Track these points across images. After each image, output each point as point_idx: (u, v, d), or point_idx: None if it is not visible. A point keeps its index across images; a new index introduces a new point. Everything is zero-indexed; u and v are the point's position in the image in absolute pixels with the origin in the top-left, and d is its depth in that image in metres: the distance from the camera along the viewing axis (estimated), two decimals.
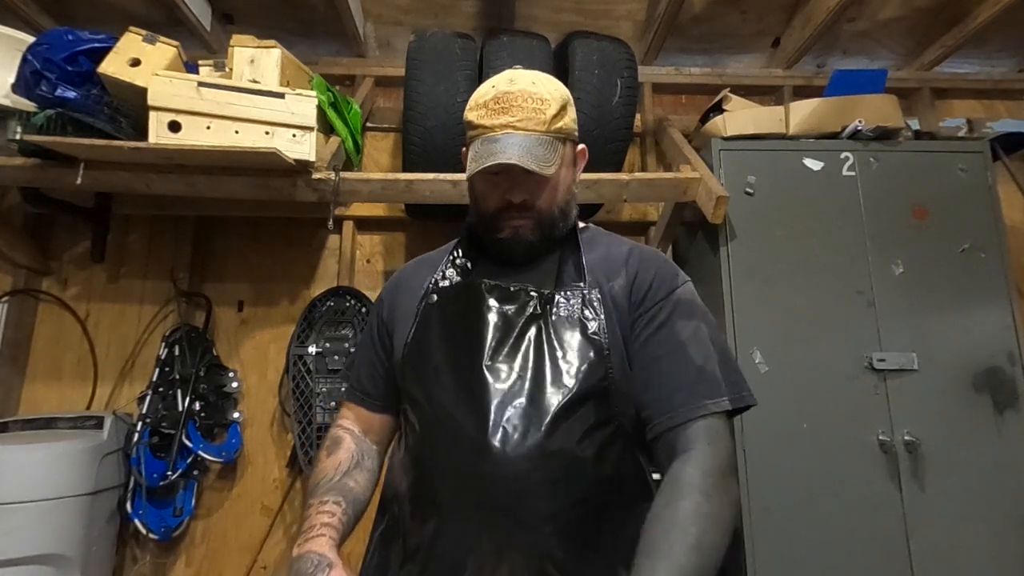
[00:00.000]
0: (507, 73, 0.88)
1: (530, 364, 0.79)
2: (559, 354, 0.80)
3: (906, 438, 1.62)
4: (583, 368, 0.79)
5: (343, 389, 1.02)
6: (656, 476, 0.84)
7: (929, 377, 1.68)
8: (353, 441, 0.92)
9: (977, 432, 1.65)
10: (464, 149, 0.91)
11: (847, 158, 1.85)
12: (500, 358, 0.80)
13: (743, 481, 1.61)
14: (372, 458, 0.94)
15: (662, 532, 0.68)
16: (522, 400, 0.77)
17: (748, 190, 1.83)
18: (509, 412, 0.76)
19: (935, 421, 1.65)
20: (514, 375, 0.79)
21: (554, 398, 0.77)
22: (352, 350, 2.00)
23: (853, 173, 1.84)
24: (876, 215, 1.80)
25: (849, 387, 1.67)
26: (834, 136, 1.90)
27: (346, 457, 0.89)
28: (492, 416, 0.76)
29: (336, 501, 0.82)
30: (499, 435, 0.75)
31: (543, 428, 0.75)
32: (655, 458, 0.81)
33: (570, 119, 0.88)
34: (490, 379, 0.79)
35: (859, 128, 1.85)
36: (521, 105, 0.83)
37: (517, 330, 0.82)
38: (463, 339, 0.83)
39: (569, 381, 0.78)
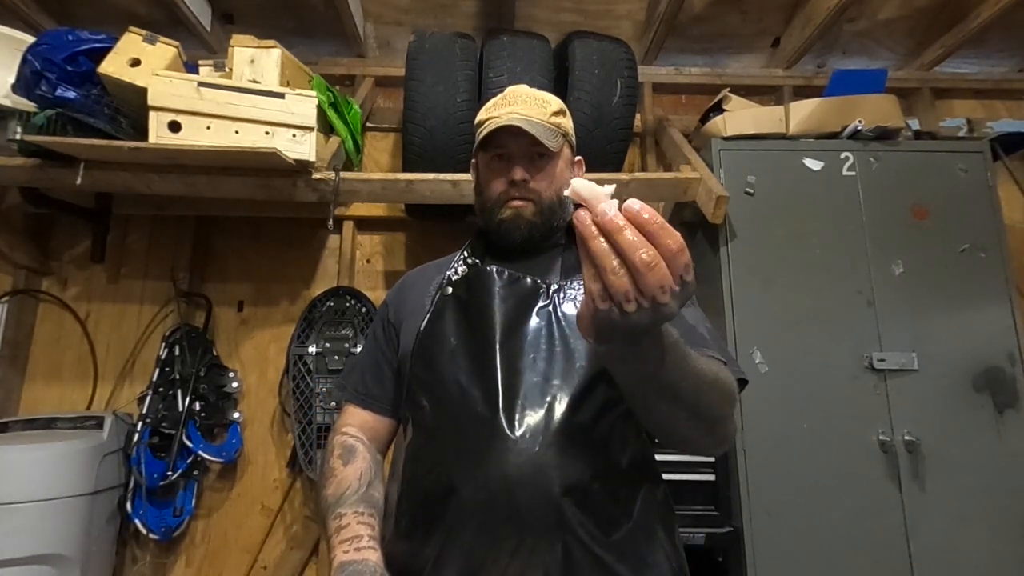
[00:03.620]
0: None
1: (542, 345, 0.81)
2: (569, 337, 0.82)
3: (906, 438, 1.62)
4: (592, 350, 0.81)
5: (342, 393, 1.00)
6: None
7: (929, 377, 1.68)
8: (366, 450, 0.91)
9: (977, 432, 1.65)
10: (473, 160, 1.00)
11: (847, 158, 1.85)
12: (512, 338, 0.82)
13: (743, 481, 1.61)
14: (382, 467, 0.94)
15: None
16: (537, 379, 0.79)
17: (748, 190, 1.83)
18: (524, 390, 0.78)
19: (935, 421, 1.65)
20: (527, 356, 0.80)
21: (568, 378, 0.79)
22: (352, 350, 2.00)
23: (853, 173, 1.84)
24: (876, 215, 1.80)
25: (849, 387, 1.67)
26: (834, 136, 1.90)
27: (365, 467, 0.88)
28: (508, 394, 0.77)
29: (371, 514, 0.82)
30: (515, 413, 0.76)
31: (558, 406, 0.77)
32: None
33: (568, 123, 0.95)
34: (504, 359, 0.80)
35: (859, 128, 1.85)
36: (525, 100, 0.92)
37: (527, 313, 0.85)
38: (475, 322, 0.85)
39: (581, 361, 0.80)
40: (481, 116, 0.95)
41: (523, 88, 0.96)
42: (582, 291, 0.84)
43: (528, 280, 0.88)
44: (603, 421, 0.79)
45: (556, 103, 0.94)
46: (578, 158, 1.00)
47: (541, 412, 0.77)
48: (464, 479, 0.75)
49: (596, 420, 0.78)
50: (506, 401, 0.77)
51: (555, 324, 0.83)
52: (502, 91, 0.98)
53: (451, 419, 0.80)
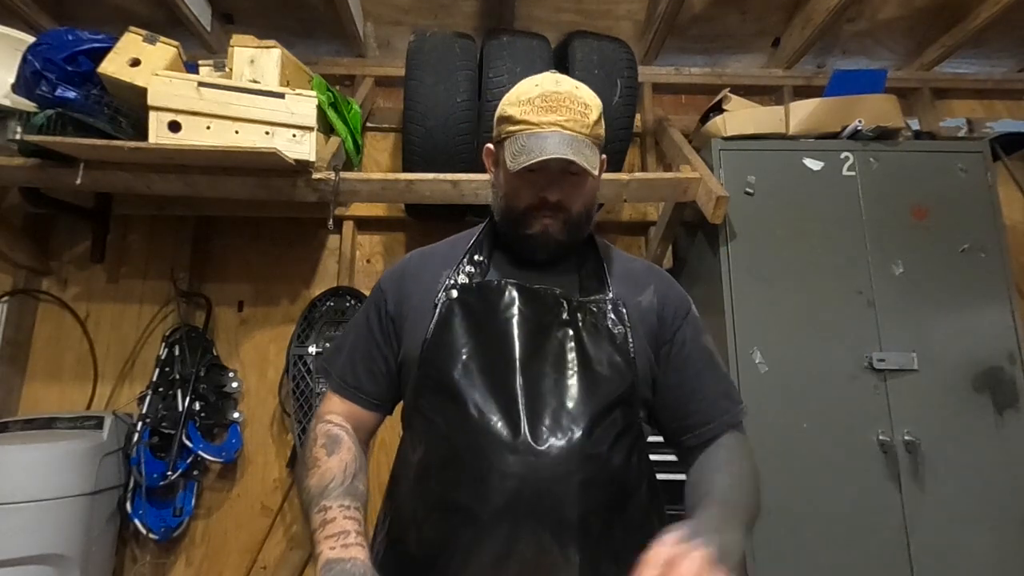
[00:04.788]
0: (549, 74, 0.88)
1: (564, 367, 0.80)
2: (591, 360, 0.81)
3: (906, 438, 1.62)
4: (613, 374, 0.81)
5: (327, 379, 0.95)
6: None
7: (929, 377, 1.68)
8: (351, 440, 0.88)
9: (977, 432, 1.64)
10: (489, 146, 0.93)
11: (847, 158, 1.85)
12: (533, 359, 0.81)
13: None
14: (366, 458, 0.91)
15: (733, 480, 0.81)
16: (558, 402, 0.78)
17: (748, 190, 1.82)
18: (546, 414, 0.77)
19: (935, 421, 1.65)
20: (549, 378, 0.79)
21: (589, 402, 0.78)
22: None
23: (853, 173, 1.84)
24: (876, 215, 1.80)
25: (849, 387, 1.67)
26: (834, 136, 1.89)
27: (350, 459, 0.85)
28: (530, 417, 0.76)
29: (356, 507, 0.79)
30: (537, 436, 0.75)
31: (580, 431, 0.76)
32: (692, 454, 0.87)
33: (602, 128, 0.88)
34: (525, 380, 0.79)
35: (859, 128, 1.85)
36: (568, 106, 0.83)
37: (548, 333, 0.83)
38: (492, 339, 0.83)
39: (602, 386, 0.80)
40: (514, 113, 0.85)
41: (565, 86, 0.85)
42: (604, 312, 0.86)
43: (549, 297, 0.86)
44: (618, 446, 0.79)
45: (596, 108, 0.85)
46: (603, 156, 0.92)
47: (561, 437, 0.76)
48: (482, 502, 0.74)
49: (612, 446, 0.78)
50: (530, 424, 0.76)
51: (576, 344, 0.82)
52: (524, 85, 0.87)
53: (468, 439, 0.78)
